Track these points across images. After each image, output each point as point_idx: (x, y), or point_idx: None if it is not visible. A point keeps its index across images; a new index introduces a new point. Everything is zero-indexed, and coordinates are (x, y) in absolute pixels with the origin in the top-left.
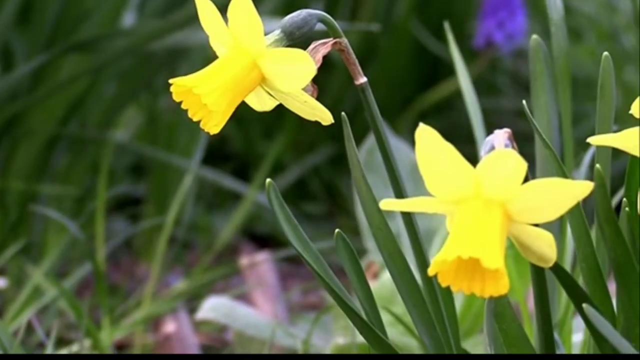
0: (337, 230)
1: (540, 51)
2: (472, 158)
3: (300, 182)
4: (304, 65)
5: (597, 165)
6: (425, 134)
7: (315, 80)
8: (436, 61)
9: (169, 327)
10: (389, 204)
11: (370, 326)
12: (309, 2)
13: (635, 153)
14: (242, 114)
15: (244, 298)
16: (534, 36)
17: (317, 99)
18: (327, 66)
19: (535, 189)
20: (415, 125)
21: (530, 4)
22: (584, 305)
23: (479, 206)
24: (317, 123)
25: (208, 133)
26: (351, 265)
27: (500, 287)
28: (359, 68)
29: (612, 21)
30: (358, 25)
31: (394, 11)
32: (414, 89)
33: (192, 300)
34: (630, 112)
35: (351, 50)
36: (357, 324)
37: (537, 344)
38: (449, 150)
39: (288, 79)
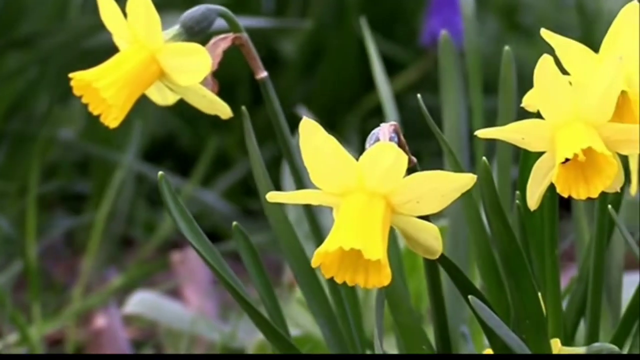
0: (234, 223)
1: (449, 47)
2: (425, 155)
3: (248, 178)
4: (200, 59)
5: (483, 158)
6: (308, 127)
7: (271, 76)
8: (385, 59)
9: (100, 322)
10: (274, 196)
11: (268, 321)
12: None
13: (522, 146)
14: (191, 110)
15: (177, 293)
16: (443, 31)
17: (260, 95)
18: (276, 62)
19: (417, 182)
20: (364, 123)
21: (478, 1)
22: (470, 297)
23: (362, 198)
24: (266, 119)
25: (156, 129)
26: (250, 260)
27: (382, 278)
28: (260, 63)
29: (560, 18)
30: (286, 22)
31: (344, 9)
32: (362, 87)
33: (126, 295)
34: (522, 105)
35: (251, 45)
36: (255, 320)
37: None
38: (332, 144)
39: (185, 72)
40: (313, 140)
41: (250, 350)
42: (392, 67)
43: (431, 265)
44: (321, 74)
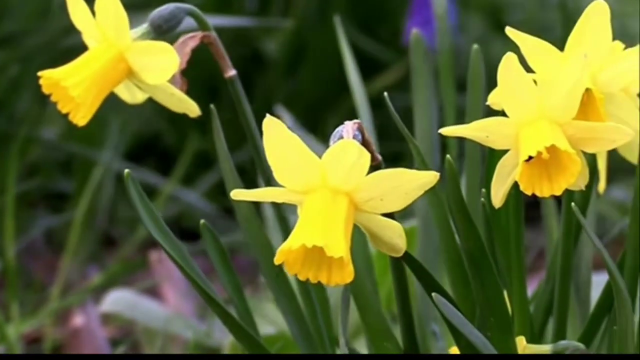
0: (202, 221)
1: (420, 45)
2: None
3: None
4: (167, 57)
5: (448, 156)
6: (272, 125)
7: (241, 75)
8: (367, 58)
9: (78, 320)
10: (239, 194)
11: (235, 320)
12: None
13: (486, 144)
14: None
15: (156, 292)
16: (414, 30)
17: (247, 94)
18: (259, 62)
19: (381, 179)
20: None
21: (463, 1)
22: (434, 294)
23: (325, 196)
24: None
25: (140, 129)
26: (219, 259)
27: (345, 275)
28: (228, 61)
29: (545, 17)
30: (268, 22)
31: (327, 9)
32: (345, 85)
33: (106, 294)
34: (487, 103)
35: (220, 44)
36: (223, 318)
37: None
38: (295, 142)
39: (153, 71)
40: (276, 138)
41: (226, 348)
42: (376, 67)
43: (397, 264)
44: (304, 73)
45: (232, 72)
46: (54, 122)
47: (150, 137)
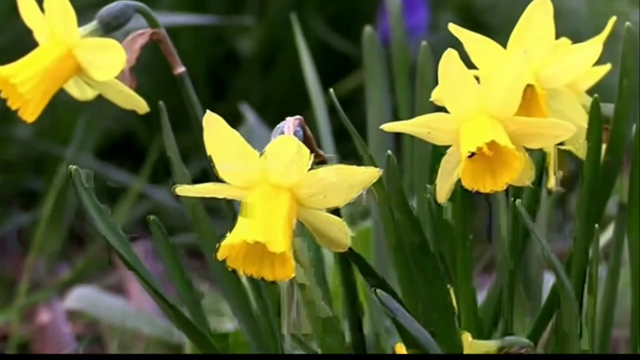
0: (151, 218)
1: (373, 43)
2: None
3: (202, 176)
4: (114, 54)
5: (389, 152)
6: (212, 121)
7: (216, 74)
8: (342, 57)
9: (44, 317)
10: (182, 189)
11: (183, 316)
12: None
13: (429, 140)
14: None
15: (124, 289)
16: (367, 27)
17: (222, 93)
18: (233, 60)
19: (322, 175)
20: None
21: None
22: (378, 290)
23: (266, 191)
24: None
25: (113, 127)
26: (168, 256)
27: (287, 270)
28: (177, 58)
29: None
30: (234, 20)
31: (301, 7)
32: (320, 83)
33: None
34: (431, 99)
35: (169, 41)
36: (169, 314)
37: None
38: (236, 138)
39: (100, 67)
40: (216, 134)
41: (188, 345)
42: (350, 64)
43: (343, 260)
44: (279, 71)
45: (181, 69)
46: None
47: (123, 136)
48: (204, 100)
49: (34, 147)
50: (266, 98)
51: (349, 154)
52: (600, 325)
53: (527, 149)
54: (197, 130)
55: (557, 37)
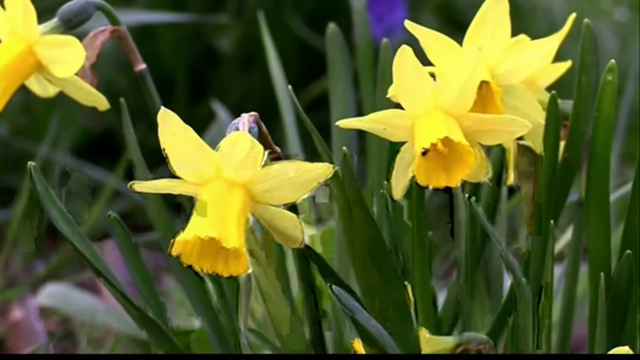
0: (113, 215)
1: (336, 39)
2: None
3: None
4: (74, 50)
5: (344, 148)
6: (167, 118)
7: (196, 72)
8: (321, 55)
9: (17, 314)
10: (139, 185)
11: (143, 312)
12: None
13: (384, 136)
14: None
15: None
16: (331, 24)
17: (202, 91)
18: (212, 58)
19: (275, 171)
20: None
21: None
22: (334, 287)
23: (220, 187)
24: (207, 112)
25: (93, 125)
26: (129, 253)
27: (241, 266)
28: (138, 55)
29: None
30: (210, 17)
31: (279, 5)
32: (300, 81)
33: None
34: (388, 96)
35: (130, 38)
36: (129, 310)
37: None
38: (189, 134)
39: (60, 64)
40: (171, 130)
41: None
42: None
43: (301, 257)
44: (258, 69)
45: (141, 66)
46: (5, 118)
47: (102, 133)
48: (184, 98)
49: (11, 144)
50: (246, 96)
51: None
52: (561, 321)
53: (488, 146)
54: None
55: (535, 34)
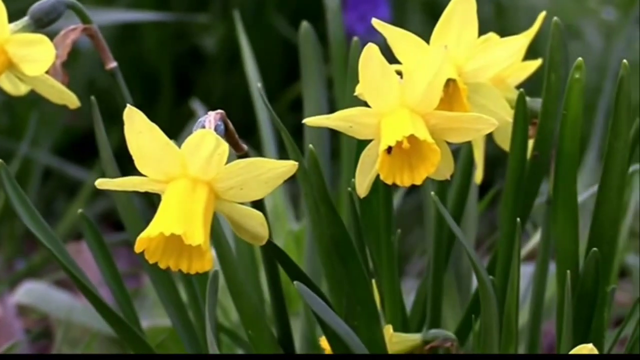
0: (79, 211)
1: (309, 37)
2: None
3: None
4: (44, 49)
5: (310, 146)
6: (132, 116)
7: (181, 71)
8: None
9: None
10: (103, 183)
11: (111, 310)
12: None
13: (350, 134)
14: (114, 104)
15: None
16: (304, 23)
17: (187, 90)
18: (197, 58)
19: (240, 168)
20: (286, 116)
21: None
22: (296, 282)
23: (185, 185)
24: (187, 114)
25: (78, 124)
26: (98, 251)
27: (205, 263)
28: (109, 54)
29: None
30: (196, 17)
31: (263, 5)
32: (283, 80)
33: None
34: (355, 94)
35: (101, 36)
36: (98, 308)
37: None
38: (155, 131)
39: (31, 62)
40: (136, 128)
41: None
42: None
43: (267, 254)
44: (242, 68)
45: (112, 64)
46: None
47: (85, 132)
48: (168, 97)
49: None
50: (230, 95)
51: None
52: (530, 320)
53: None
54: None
55: (518, 34)
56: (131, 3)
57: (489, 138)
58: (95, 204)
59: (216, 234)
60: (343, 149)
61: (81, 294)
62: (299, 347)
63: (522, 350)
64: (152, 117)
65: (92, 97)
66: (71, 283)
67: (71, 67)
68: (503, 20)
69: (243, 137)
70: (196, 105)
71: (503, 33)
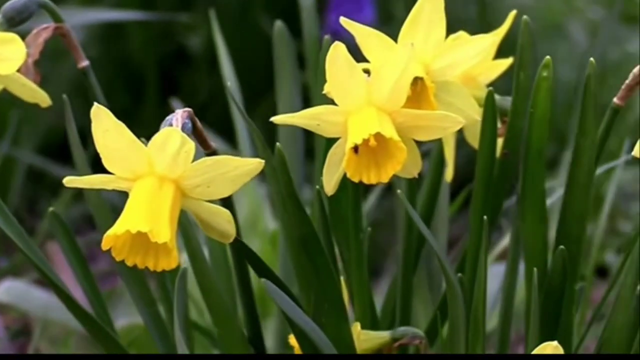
0: (50, 209)
1: (283, 37)
2: None
3: None
4: (15, 48)
5: (278, 144)
6: (99, 114)
7: (166, 70)
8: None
9: None
10: (71, 181)
11: (81, 308)
12: None
13: (318, 132)
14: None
15: None
16: (278, 22)
17: (172, 89)
18: (183, 57)
19: (207, 166)
20: (272, 115)
21: None
22: (263, 280)
23: (152, 183)
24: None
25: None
26: (68, 249)
27: (171, 261)
28: (81, 52)
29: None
30: (168, 16)
31: (248, 5)
32: (269, 80)
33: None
34: (323, 92)
35: (73, 35)
36: (68, 306)
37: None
38: (122, 130)
39: (2, 61)
40: (104, 126)
41: None
42: (300, 62)
43: (236, 253)
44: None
45: (84, 63)
46: None
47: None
48: (154, 97)
49: None
50: (215, 94)
51: None
52: (500, 319)
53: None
54: None
55: (507, 33)
56: (116, 2)
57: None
58: (79, 204)
59: (186, 233)
60: (317, 148)
61: None
62: (273, 346)
63: (492, 350)
64: (137, 116)
65: (64, 96)
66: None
67: (58, 66)
68: (487, 20)
69: (227, 136)
70: (174, 104)
71: (488, 33)
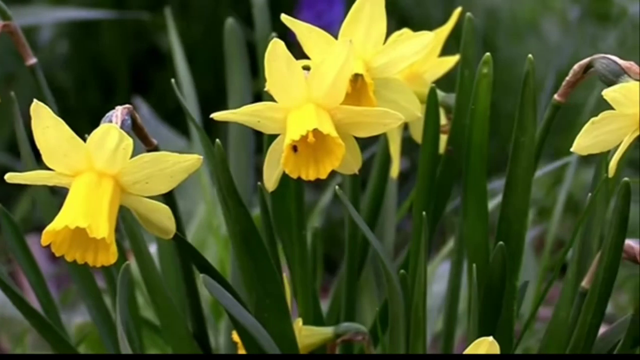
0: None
1: (234, 34)
2: None
3: None
4: None
5: (217, 140)
6: (39, 111)
7: (139, 69)
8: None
9: None
10: (12, 177)
11: (31, 307)
12: None
13: (258, 129)
14: (86, 102)
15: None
16: (229, 19)
17: (145, 88)
18: (155, 56)
19: (145, 162)
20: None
21: None
22: (202, 275)
23: (91, 179)
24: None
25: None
26: (17, 247)
27: (109, 256)
28: (29, 50)
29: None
30: (139, 15)
31: (217, 4)
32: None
33: None
34: (265, 89)
35: (20, 33)
36: (16, 304)
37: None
38: (61, 127)
39: None
40: (43, 123)
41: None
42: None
43: (182, 249)
44: (200, 67)
45: (32, 61)
46: None
47: None
48: (125, 96)
49: None
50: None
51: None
52: (445, 311)
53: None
54: None
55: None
56: (89, 1)
57: None
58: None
59: (131, 229)
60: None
61: (24, 290)
62: (226, 344)
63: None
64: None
65: (12, 93)
66: (18, 279)
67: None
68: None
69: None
70: (137, 102)
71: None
